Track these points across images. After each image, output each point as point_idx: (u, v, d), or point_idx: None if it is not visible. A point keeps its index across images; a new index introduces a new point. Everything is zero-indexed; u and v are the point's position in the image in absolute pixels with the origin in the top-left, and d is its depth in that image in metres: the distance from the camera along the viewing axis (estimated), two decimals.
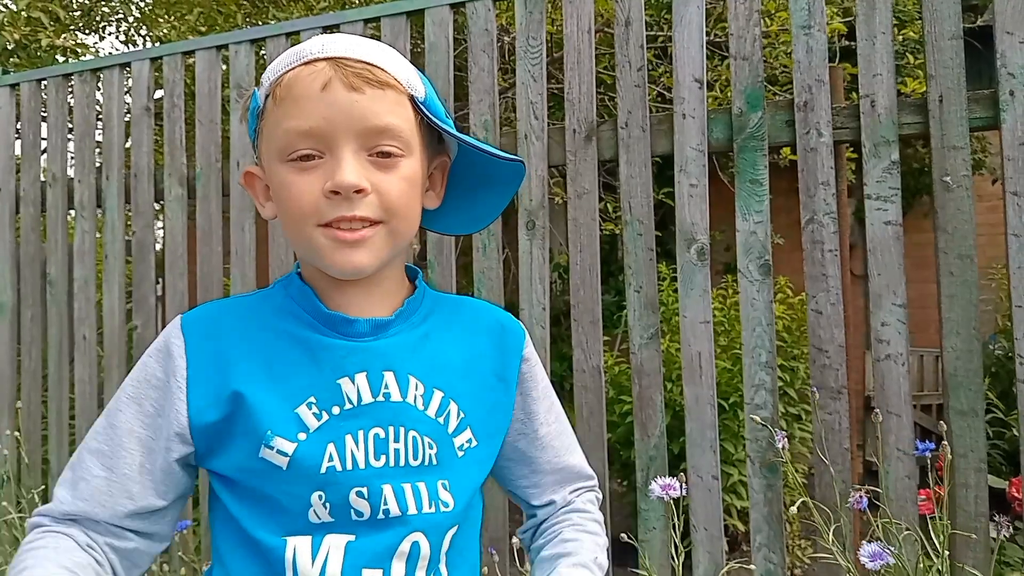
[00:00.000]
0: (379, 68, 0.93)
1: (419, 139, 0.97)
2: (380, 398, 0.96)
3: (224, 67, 3.20)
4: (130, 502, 0.94)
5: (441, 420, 0.98)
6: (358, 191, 0.90)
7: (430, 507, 0.96)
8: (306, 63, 0.93)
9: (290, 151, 0.92)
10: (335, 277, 0.97)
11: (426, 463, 0.96)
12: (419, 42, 2.99)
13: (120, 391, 0.97)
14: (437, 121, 0.97)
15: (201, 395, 0.94)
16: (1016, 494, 2.36)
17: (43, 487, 3.15)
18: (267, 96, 0.96)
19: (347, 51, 0.93)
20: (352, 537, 0.93)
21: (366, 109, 0.91)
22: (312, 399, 0.94)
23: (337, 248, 0.92)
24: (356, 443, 0.94)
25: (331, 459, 0.93)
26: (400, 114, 0.94)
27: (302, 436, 0.92)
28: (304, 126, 0.91)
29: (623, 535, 2.22)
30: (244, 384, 0.94)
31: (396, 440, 0.95)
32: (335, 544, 0.92)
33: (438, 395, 0.99)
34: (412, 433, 0.96)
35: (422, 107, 0.96)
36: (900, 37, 4.56)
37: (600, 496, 1.18)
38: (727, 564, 2.33)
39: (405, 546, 0.94)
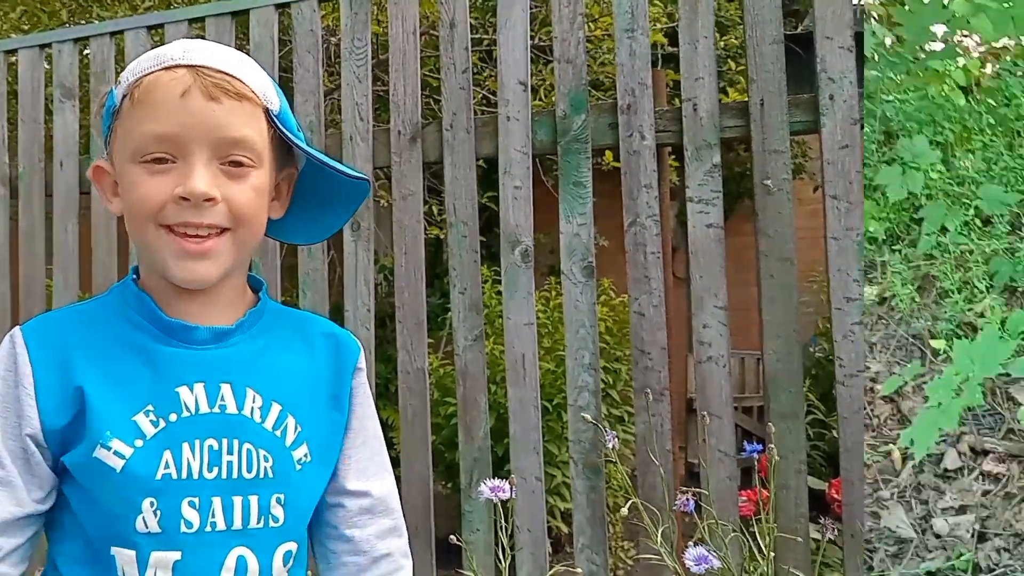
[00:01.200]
0: (237, 79, 0.95)
1: (270, 151, 0.99)
2: (216, 410, 0.96)
3: (47, 66, 3.11)
4: (18, 509, 0.94)
5: (278, 433, 0.99)
6: (208, 199, 0.92)
7: (258, 522, 0.96)
8: (167, 68, 0.94)
9: (143, 153, 0.93)
10: (177, 285, 0.97)
11: (261, 476, 0.96)
12: (244, 42, 2.95)
13: None
14: (289, 135, 1.00)
15: (49, 399, 0.93)
16: (836, 495, 2.41)
17: None
18: (124, 96, 0.96)
19: (208, 59, 0.95)
20: (179, 555, 0.92)
21: (222, 120, 0.93)
22: (150, 407, 0.94)
23: (182, 258, 0.93)
24: (192, 452, 0.94)
25: (167, 466, 0.93)
26: (254, 126, 0.96)
27: (139, 443, 0.92)
28: (160, 131, 0.92)
29: (452, 536, 2.20)
30: (86, 385, 0.94)
31: (230, 452, 0.96)
32: (162, 564, 0.92)
33: (276, 408, 0.99)
34: (247, 446, 0.96)
35: (276, 120, 0.99)
36: (723, 43, 4.65)
37: None
38: (552, 567, 2.32)
39: (231, 561, 0.94)
